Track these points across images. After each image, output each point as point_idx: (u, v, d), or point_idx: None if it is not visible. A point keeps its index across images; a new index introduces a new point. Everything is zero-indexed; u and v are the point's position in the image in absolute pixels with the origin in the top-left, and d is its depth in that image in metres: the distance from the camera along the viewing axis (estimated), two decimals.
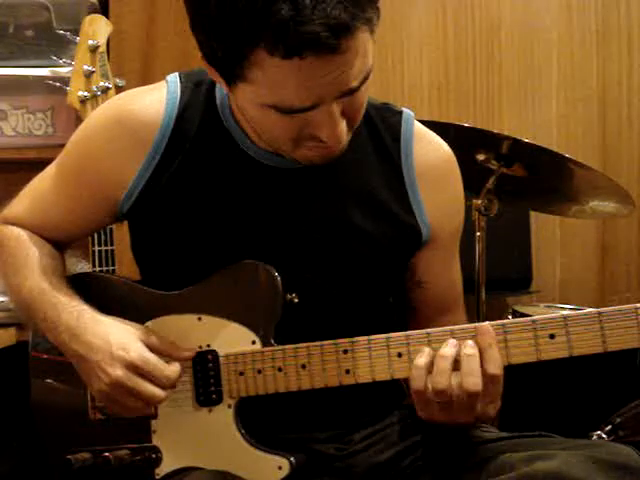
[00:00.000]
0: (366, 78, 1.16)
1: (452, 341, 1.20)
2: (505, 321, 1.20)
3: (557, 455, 1.18)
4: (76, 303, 1.31)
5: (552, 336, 1.17)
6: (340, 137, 1.19)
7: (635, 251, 3.01)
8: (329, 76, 1.11)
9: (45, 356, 1.43)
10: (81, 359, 1.28)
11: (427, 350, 1.20)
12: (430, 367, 1.19)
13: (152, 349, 1.27)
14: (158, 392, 1.24)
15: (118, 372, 1.23)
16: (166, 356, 1.28)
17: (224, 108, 1.34)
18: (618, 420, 1.77)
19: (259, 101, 1.16)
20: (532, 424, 1.37)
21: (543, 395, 1.74)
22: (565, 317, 1.17)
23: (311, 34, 1.05)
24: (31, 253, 1.39)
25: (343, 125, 1.19)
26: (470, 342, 1.19)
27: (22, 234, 1.42)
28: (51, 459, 1.42)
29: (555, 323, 1.18)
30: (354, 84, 1.14)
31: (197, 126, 1.33)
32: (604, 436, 1.75)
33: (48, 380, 1.44)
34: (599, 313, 1.16)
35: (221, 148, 1.33)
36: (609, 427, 1.77)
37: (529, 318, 1.20)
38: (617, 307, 1.16)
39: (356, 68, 1.13)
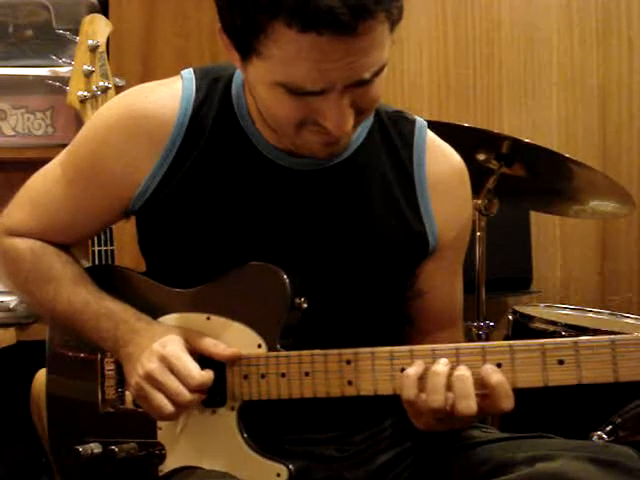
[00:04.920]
0: (379, 72, 1.16)
1: (444, 360, 1.17)
2: (512, 342, 1.17)
3: (558, 456, 1.18)
4: (130, 312, 1.33)
5: (561, 362, 1.13)
6: (345, 128, 1.18)
7: (635, 251, 3.01)
8: (342, 61, 1.11)
9: (62, 349, 1.45)
10: (130, 358, 1.29)
11: (420, 362, 1.18)
12: (422, 380, 1.17)
13: (194, 349, 1.27)
14: (183, 390, 1.23)
15: (152, 365, 1.24)
16: (207, 355, 1.28)
17: (240, 106, 1.33)
18: (618, 420, 1.77)
19: (271, 79, 1.15)
20: (532, 425, 1.37)
21: (543, 396, 1.74)
22: (576, 342, 1.13)
23: (330, 9, 1.06)
24: (53, 265, 1.38)
25: (350, 117, 1.18)
26: (462, 366, 1.16)
27: (35, 246, 1.40)
28: (59, 450, 1.44)
29: (565, 348, 1.13)
30: (366, 75, 1.14)
31: (212, 123, 1.32)
32: (604, 436, 1.75)
33: (63, 373, 1.45)
34: (612, 341, 1.11)
35: (236, 147, 1.33)
36: (609, 427, 1.76)
37: (537, 341, 1.15)
38: (630, 335, 1.12)
39: (371, 58, 1.13)
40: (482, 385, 1.15)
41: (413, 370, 1.17)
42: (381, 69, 1.16)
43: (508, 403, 1.15)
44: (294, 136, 1.23)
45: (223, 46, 1.21)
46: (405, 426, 1.35)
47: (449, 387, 1.15)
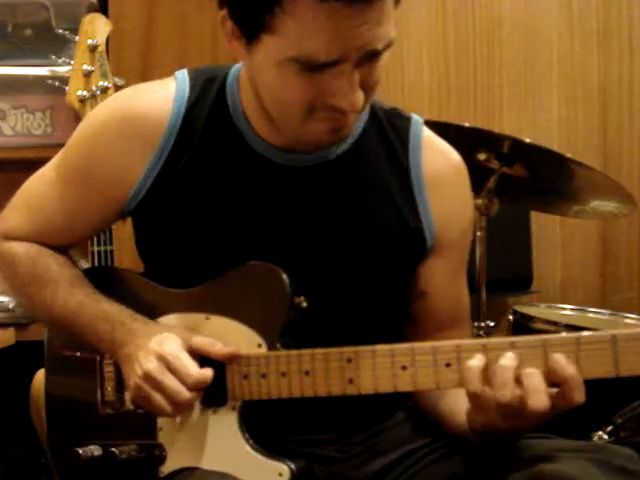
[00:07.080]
0: (388, 47, 1.17)
1: (510, 354, 1.14)
2: (514, 338, 1.16)
3: (559, 457, 1.17)
4: (126, 314, 1.33)
5: None
6: (356, 106, 1.19)
7: (636, 251, 3.01)
8: (357, 29, 1.12)
9: (61, 351, 1.44)
10: (128, 358, 1.29)
11: (479, 355, 1.15)
12: (485, 373, 1.14)
13: (192, 349, 1.27)
14: (182, 389, 1.23)
15: (150, 364, 1.23)
16: (204, 355, 1.27)
17: (235, 104, 1.33)
18: (619, 421, 1.77)
19: (282, 56, 1.15)
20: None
21: None
22: (578, 338, 1.12)
23: None
24: (50, 267, 1.38)
25: (360, 94, 1.18)
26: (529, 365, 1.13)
27: (31, 249, 1.40)
28: (59, 451, 1.44)
29: (567, 343, 1.12)
30: (379, 46, 1.16)
31: (205, 123, 1.32)
32: (605, 437, 1.74)
33: (62, 374, 1.45)
34: (613, 336, 1.10)
35: (229, 145, 1.32)
36: (610, 428, 1.76)
37: (538, 337, 1.14)
38: (631, 330, 1.11)
39: (382, 29, 1.15)
40: (550, 380, 1.12)
41: (475, 362, 1.14)
42: (389, 44, 1.17)
43: (581, 396, 1.12)
44: (300, 124, 1.22)
45: (224, 36, 1.21)
46: (408, 427, 1.35)
47: (518, 381, 1.12)
